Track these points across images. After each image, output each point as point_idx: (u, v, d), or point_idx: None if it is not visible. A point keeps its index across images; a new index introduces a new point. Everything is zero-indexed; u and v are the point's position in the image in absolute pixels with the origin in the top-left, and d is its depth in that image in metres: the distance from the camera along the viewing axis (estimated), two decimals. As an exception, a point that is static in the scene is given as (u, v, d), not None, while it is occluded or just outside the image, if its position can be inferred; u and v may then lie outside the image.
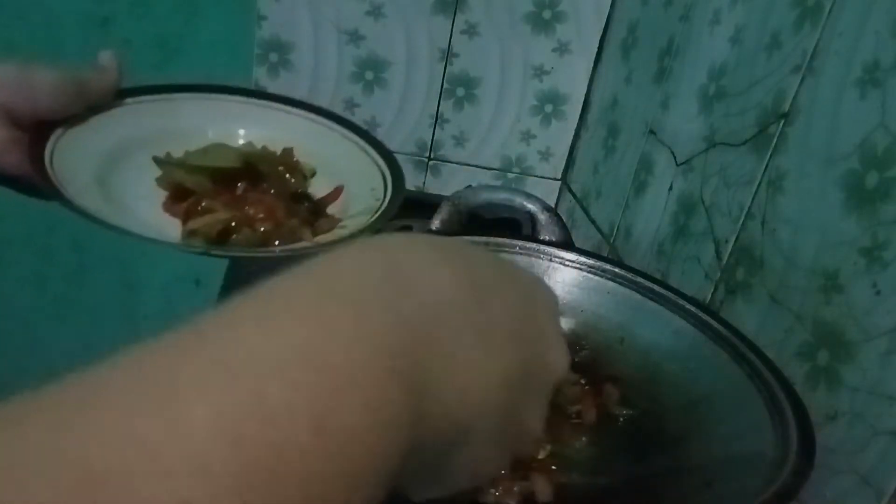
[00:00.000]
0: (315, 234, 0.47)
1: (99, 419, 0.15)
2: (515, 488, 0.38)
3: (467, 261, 0.25)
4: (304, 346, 0.18)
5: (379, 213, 0.47)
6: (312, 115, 0.55)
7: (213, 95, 0.54)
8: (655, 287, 0.50)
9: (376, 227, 0.46)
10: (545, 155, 0.97)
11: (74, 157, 0.44)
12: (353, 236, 0.45)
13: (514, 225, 0.76)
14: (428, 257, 0.24)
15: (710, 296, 0.55)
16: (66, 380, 0.16)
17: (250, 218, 0.46)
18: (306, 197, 0.51)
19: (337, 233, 0.47)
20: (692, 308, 0.48)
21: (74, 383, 0.16)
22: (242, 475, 0.15)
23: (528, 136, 0.96)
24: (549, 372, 0.28)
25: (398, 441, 0.19)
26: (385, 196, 0.49)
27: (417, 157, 0.97)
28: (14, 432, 0.14)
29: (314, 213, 0.50)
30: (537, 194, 0.81)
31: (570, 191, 0.96)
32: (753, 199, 0.51)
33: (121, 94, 0.49)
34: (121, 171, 0.47)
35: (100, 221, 0.39)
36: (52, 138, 0.44)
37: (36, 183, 0.42)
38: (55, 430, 0.14)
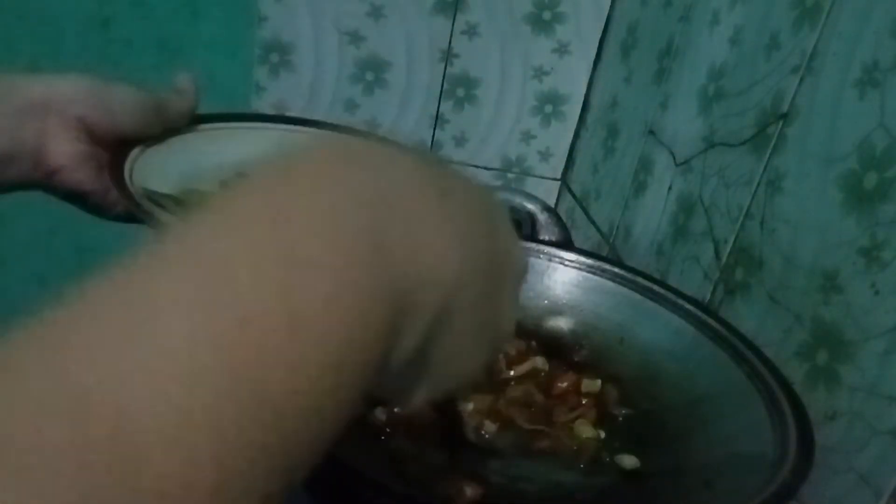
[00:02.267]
0: None
1: (89, 344, 0.15)
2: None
3: (422, 158, 0.26)
4: (267, 240, 0.18)
5: None
6: None
7: (292, 127, 0.54)
8: (655, 287, 0.50)
9: None
10: (545, 155, 0.98)
11: (154, 176, 0.43)
12: None
13: (513, 225, 0.76)
14: (385, 151, 0.24)
15: (709, 296, 0.55)
16: (52, 310, 0.16)
17: None
18: None
19: None
20: (691, 308, 0.48)
21: (60, 314, 0.16)
22: (231, 378, 0.16)
23: (527, 137, 0.96)
24: (516, 267, 0.29)
25: (376, 326, 0.19)
26: None
27: (417, 158, 0.97)
28: (11, 366, 0.15)
29: None
30: (537, 194, 0.81)
31: (570, 191, 0.96)
32: (752, 199, 0.52)
33: (196, 119, 0.49)
34: (197, 195, 0.46)
35: None
36: (131, 157, 0.43)
37: (101, 201, 0.42)
38: (48, 366, 0.15)
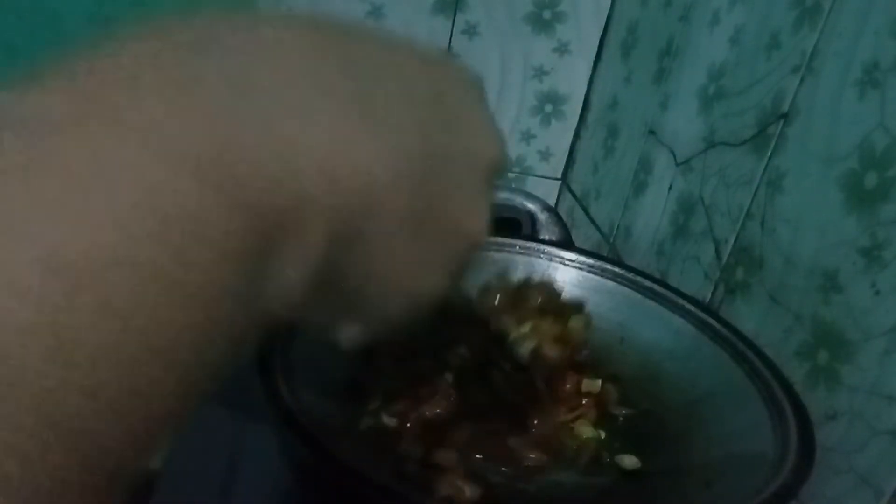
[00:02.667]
0: None
1: None
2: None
3: (340, 33, 0.21)
4: (103, 157, 0.15)
5: None
6: None
7: None
8: (655, 286, 0.50)
9: None
10: (545, 155, 0.98)
11: None
12: None
13: (514, 224, 0.76)
14: (270, 25, 0.20)
15: (709, 295, 0.55)
16: None
17: None
18: None
19: None
20: (692, 307, 0.48)
21: None
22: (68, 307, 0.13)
23: (527, 136, 0.96)
24: (478, 158, 0.24)
25: (220, 250, 0.16)
26: None
27: (417, 157, 0.97)
28: None
29: None
30: (537, 194, 0.81)
31: (570, 190, 0.96)
32: (753, 198, 0.52)
33: None
34: None
35: None
36: None
37: None
38: None
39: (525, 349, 0.43)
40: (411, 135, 0.20)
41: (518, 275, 0.48)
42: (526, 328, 0.43)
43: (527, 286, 0.46)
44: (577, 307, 0.46)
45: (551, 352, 0.43)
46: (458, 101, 0.24)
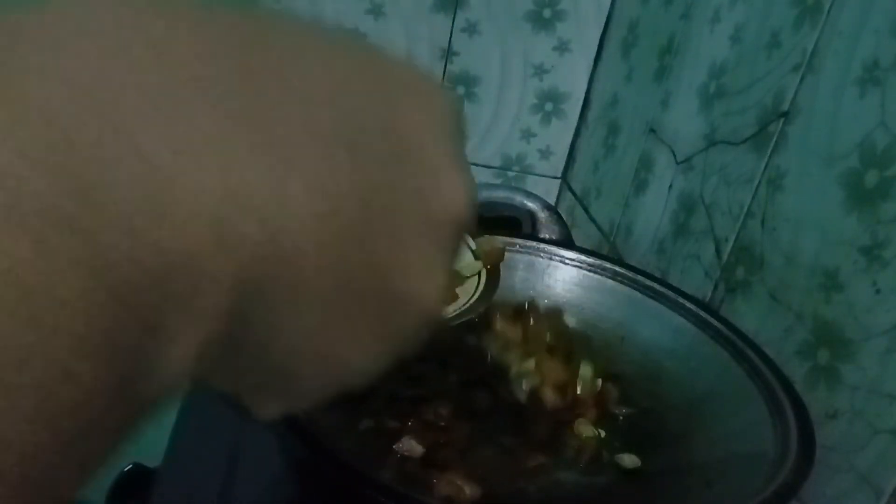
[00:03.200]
0: None
1: None
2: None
3: (248, 27, 0.16)
4: None
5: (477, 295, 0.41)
6: None
7: None
8: (655, 285, 0.50)
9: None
10: (545, 153, 0.97)
11: None
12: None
13: (514, 223, 0.76)
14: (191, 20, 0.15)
15: (710, 294, 0.55)
16: None
17: None
18: None
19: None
20: (692, 307, 0.48)
21: None
22: None
23: (528, 135, 0.96)
24: (434, 208, 0.18)
25: (76, 318, 0.12)
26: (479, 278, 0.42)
27: (418, 156, 0.97)
28: None
29: None
30: (537, 192, 0.81)
31: (571, 189, 0.96)
32: (753, 197, 0.51)
33: None
34: None
35: None
36: None
37: None
38: None
39: (524, 388, 0.42)
40: (342, 175, 0.16)
41: (517, 284, 0.47)
42: (529, 364, 0.41)
43: (532, 312, 0.43)
44: (586, 348, 0.44)
45: (551, 397, 0.42)
46: (421, 134, 0.18)
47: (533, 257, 0.53)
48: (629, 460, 0.42)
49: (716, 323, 0.46)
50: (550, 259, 0.53)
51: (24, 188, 0.11)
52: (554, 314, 0.46)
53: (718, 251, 0.55)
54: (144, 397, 0.14)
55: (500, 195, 0.77)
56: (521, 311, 0.43)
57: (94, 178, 0.12)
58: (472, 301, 0.40)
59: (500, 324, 0.43)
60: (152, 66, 0.14)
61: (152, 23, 0.14)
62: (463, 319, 0.39)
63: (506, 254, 0.46)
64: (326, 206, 0.15)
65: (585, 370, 0.43)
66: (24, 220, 0.11)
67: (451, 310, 0.40)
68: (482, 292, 0.41)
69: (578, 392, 0.43)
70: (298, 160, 0.15)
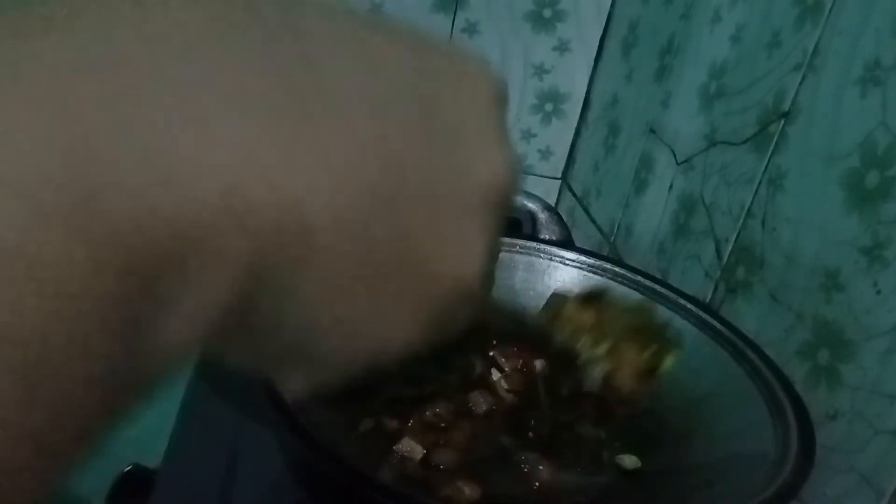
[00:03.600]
0: None
1: None
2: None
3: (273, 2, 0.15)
4: None
5: None
6: None
7: None
8: (656, 286, 0.50)
9: None
10: (545, 153, 0.97)
11: None
12: None
13: (514, 224, 0.76)
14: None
15: (710, 295, 0.55)
16: None
17: None
18: None
19: None
20: (692, 307, 0.48)
21: None
22: None
23: (528, 135, 0.96)
24: (473, 182, 0.18)
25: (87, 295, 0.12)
26: None
27: (418, 156, 0.97)
28: None
29: None
30: (537, 193, 0.81)
31: (571, 189, 0.95)
32: (754, 197, 0.51)
33: None
34: None
35: None
36: None
37: None
38: None
39: (597, 375, 0.38)
40: (373, 150, 0.15)
41: (517, 285, 0.46)
42: (602, 349, 0.38)
43: (606, 298, 0.40)
44: (675, 341, 0.40)
45: (627, 383, 0.38)
46: (459, 106, 0.18)
47: (533, 258, 0.53)
48: (629, 461, 0.42)
49: (716, 323, 0.46)
50: (550, 260, 0.53)
51: (21, 152, 0.11)
52: (646, 307, 0.43)
53: (719, 251, 0.55)
54: (146, 366, 0.14)
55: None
56: (594, 297, 0.40)
57: (116, 157, 0.12)
58: None
59: (570, 309, 0.39)
60: (164, 34, 0.13)
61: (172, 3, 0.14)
62: None
63: (506, 255, 0.45)
64: (354, 183, 0.15)
65: (670, 360, 0.40)
66: (21, 184, 0.11)
67: None
68: None
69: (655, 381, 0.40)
70: (328, 139, 0.14)
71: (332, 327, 0.17)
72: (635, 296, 0.50)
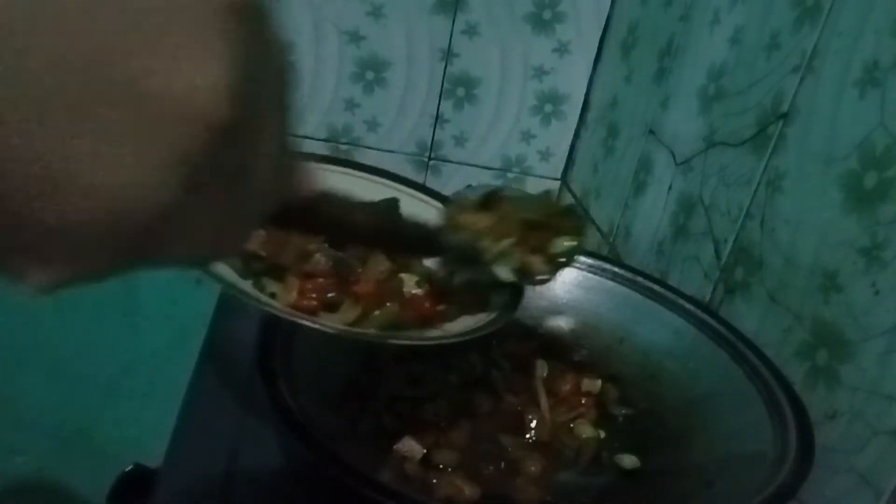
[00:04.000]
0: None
1: None
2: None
3: None
4: None
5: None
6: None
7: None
8: (655, 287, 0.50)
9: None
10: (545, 155, 0.98)
11: None
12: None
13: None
14: None
15: (709, 295, 0.55)
16: None
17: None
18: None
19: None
20: (691, 308, 0.48)
21: None
22: None
23: (527, 136, 0.96)
24: (168, 98, 0.15)
25: None
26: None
27: (417, 157, 0.97)
28: None
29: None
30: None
31: (570, 190, 0.96)
32: (753, 198, 0.52)
33: None
34: None
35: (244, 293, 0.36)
36: None
37: None
38: None
39: (509, 267, 0.37)
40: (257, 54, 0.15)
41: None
42: (506, 245, 0.37)
43: (502, 195, 0.39)
44: (576, 224, 0.40)
45: (541, 267, 0.38)
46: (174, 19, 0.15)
47: (533, 258, 0.53)
48: (629, 461, 0.42)
49: (715, 324, 0.46)
50: (550, 260, 0.53)
51: None
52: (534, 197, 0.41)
53: (718, 252, 0.55)
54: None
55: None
56: (489, 200, 0.39)
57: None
58: (494, 316, 0.39)
59: (467, 215, 0.38)
60: None
61: None
62: (486, 332, 0.38)
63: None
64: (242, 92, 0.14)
65: (570, 242, 0.39)
66: None
67: (473, 323, 0.39)
68: (505, 309, 0.40)
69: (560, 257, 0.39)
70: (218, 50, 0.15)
71: (59, 172, 0.14)
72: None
